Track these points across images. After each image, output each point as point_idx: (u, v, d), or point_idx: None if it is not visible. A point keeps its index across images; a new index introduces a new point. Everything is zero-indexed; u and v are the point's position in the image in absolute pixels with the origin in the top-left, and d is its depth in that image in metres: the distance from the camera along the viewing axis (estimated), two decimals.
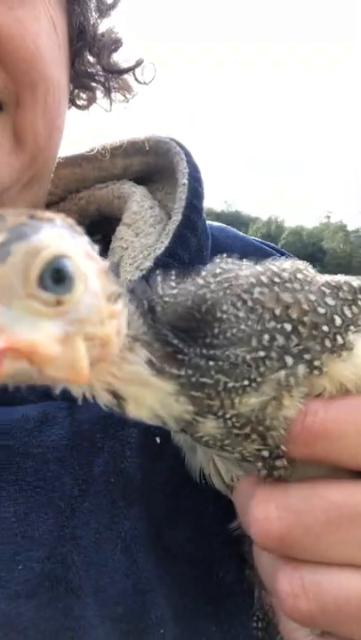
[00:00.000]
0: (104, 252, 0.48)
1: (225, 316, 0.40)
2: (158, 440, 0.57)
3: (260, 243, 0.89)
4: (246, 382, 0.40)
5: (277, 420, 0.41)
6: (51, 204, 0.83)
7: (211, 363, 0.40)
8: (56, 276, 0.32)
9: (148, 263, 0.66)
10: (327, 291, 0.43)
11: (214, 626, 0.51)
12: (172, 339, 0.40)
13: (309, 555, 0.41)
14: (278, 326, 0.41)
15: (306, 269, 0.45)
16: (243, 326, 0.40)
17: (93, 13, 0.76)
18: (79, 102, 0.84)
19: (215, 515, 0.56)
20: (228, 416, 0.40)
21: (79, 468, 0.54)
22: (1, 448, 0.53)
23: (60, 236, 0.33)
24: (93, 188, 0.84)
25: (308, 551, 0.41)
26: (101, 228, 0.77)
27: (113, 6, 0.79)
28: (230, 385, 0.40)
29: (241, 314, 0.41)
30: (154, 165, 0.83)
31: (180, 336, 0.40)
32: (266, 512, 0.41)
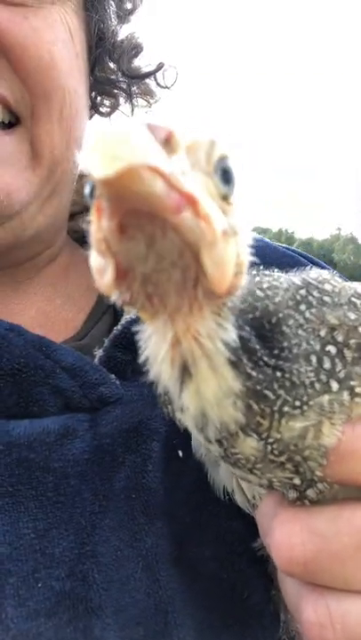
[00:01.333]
0: None
1: (289, 332, 0.38)
2: (181, 454, 0.56)
3: (285, 248, 0.86)
4: (298, 404, 0.37)
5: (316, 449, 0.38)
6: (75, 215, 0.83)
7: (278, 374, 0.37)
8: (224, 177, 0.32)
9: None
10: (358, 302, 0.40)
11: None
12: (251, 334, 0.37)
13: (335, 582, 0.39)
14: (326, 349, 0.38)
15: (333, 279, 0.43)
16: (305, 345, 0.38)
17: (112, 20, 0.75)
18: (102, 109, 0.84)
19: (240, 532, 0.54)
20: (270, 440, 0.38)
21: (100, 483, 0.53)
22: (21, 462, 0.53)
23: None
24: None
25: (334, 578, 0.39)
26: None
27: (132, 12, 0.78)
28: (285, 408, 0.37)
29: (301, 332, 0.38)
30: None
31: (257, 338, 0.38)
32: (289, 536, 0.39)
